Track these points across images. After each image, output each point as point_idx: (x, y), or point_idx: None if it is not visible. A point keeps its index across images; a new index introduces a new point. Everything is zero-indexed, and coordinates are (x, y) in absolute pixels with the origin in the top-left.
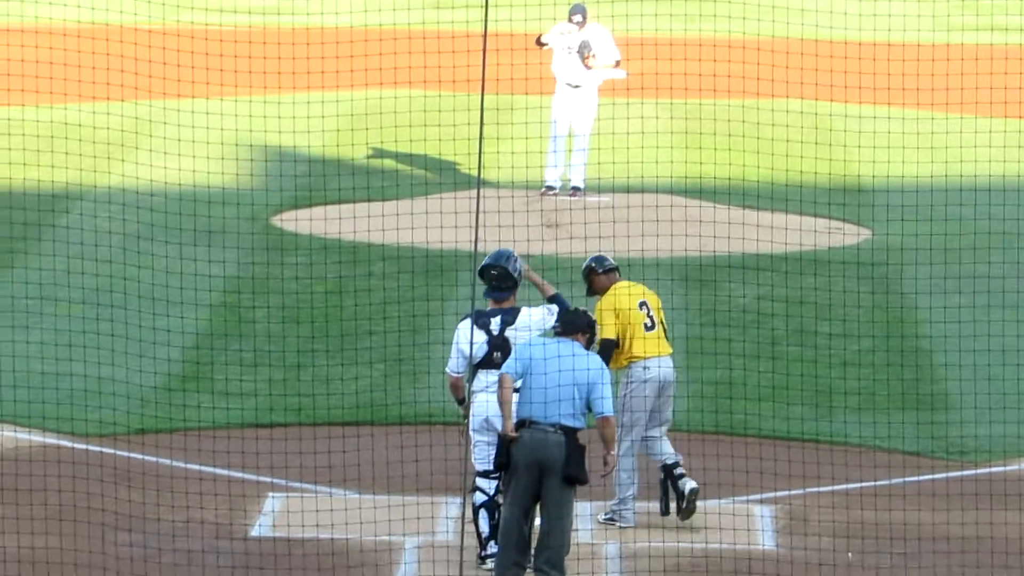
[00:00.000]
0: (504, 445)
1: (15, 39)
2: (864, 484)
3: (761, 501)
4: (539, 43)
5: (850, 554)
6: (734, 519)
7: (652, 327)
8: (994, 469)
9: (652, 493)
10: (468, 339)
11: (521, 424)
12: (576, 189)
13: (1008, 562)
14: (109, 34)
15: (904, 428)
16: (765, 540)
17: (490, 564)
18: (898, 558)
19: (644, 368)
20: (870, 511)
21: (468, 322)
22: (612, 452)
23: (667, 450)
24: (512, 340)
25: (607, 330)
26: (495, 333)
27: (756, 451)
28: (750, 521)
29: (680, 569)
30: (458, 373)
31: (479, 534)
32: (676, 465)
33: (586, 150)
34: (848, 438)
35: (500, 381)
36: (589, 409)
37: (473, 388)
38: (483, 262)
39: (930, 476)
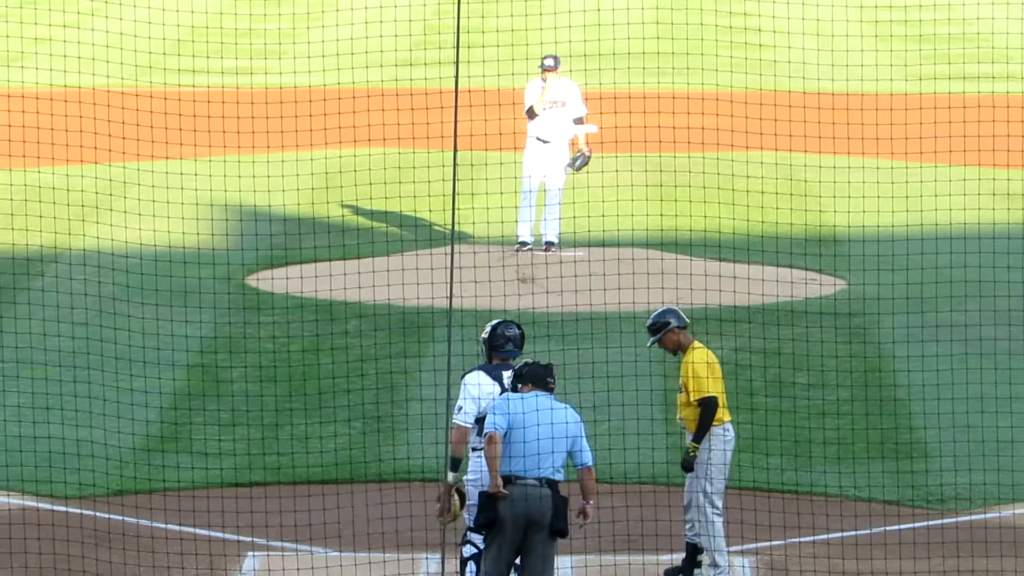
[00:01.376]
0: (490, 502)
1: None
2: (843, 534)
3: (741, 552)
4: (531, 114)
5: None
6: (715, 570)
7: (723, 391)
8: (972, 517)
9: (633, 545)
10: (480, 389)
11: (507, 480)
12: (550, 244)
13: None
14: (81, 97)
15: (881, 477)
16: None
17: None
18: None
19: (725, 430)
20: (850, 561)
21: (477, 373)
22: (592, 502)
23: (704, 535)
24: None
25: (708, 385)
26: (507, 387)
27: (735, 502)
28: (731, 572)
29: None
30: (469, 424)
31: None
32: (701, 551)
33: (559, 204)
34: (826, 488)
35: (489, 439)
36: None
37: (476, 444)
38: (501, 322)
39: (908, 525)
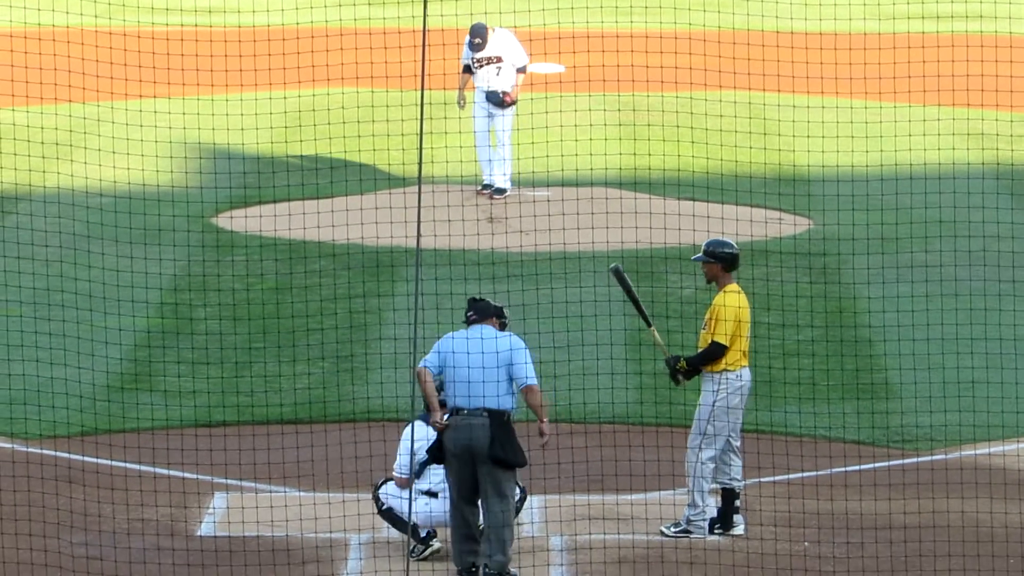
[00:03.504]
0: (438, 436)
1: None
2: (810, 474)
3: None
4: (467, 71)
5: (807, 543)
6: (682, 510)
7: (746, 335)
8: (938, 457)
9: (605, 485)
10: (412, 443)
11: (452, 413)
12: (500, 191)
13: (951, 550)
14: (48, 35)
15: (848, 417)
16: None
17: (435, 545)
18: (845, 547)
19: (738, 376)
20: (820, 500)
21: (414, 425)
22: (545, 420)
23: (736, 475)
24: None
25: (722, 333)
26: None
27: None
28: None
29: (626, 560)
30: (404, 475)
31: (406, 529)
32: (737, 496)
33: (507, 146)
34: (793, 428)
35: (418, 375)
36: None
37: (420, 486)
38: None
39: (875, 465)
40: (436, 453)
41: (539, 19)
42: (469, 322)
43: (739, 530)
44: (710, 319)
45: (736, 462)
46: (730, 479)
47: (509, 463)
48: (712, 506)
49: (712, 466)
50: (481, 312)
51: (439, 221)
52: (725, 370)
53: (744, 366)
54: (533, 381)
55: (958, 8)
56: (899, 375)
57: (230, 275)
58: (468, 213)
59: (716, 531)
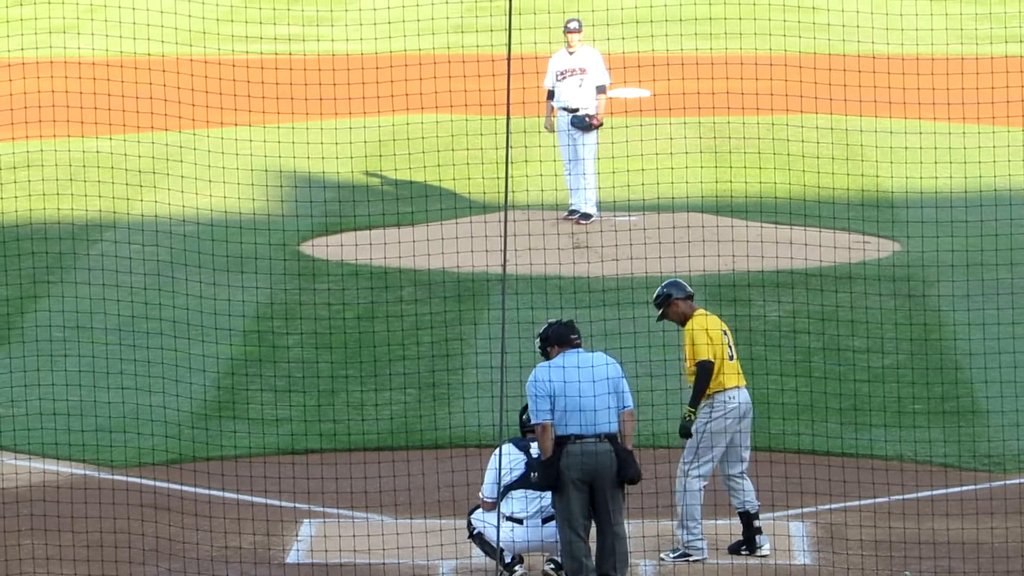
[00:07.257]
0: (551, 465)
1: (44, 71)
2: (899, 498)
3: (798, 517)
4: (550, 95)
5: (907, 573)
6: (772, 537)
7: (732, 357)
8: None
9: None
10: (503, 462)
11: (566, 440)
12: (585, 216)
13: None
14: (138, 64)
15: (939, 443)
16: (802, 557)
17: (519, 571)
18: (939, 572)
19: (728, 398)
20: (914, 527)
21: (506, 446)
22: (628, 447)
23: (749, 498)
24: None
25: (703, 351)
26: (534, 455)
27: (792, 469)
28: (788, 539)
29: None
30: (492, 499)
31: (495, 555)
32: (756, 516)
33: (590, 175)
34: (884, 452)
35: (543, 429)
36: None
37: (504, 511)
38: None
39: (965, 487)
40: (551, 482)
41: (628, 46)
42: (573, 346)
43: (765, 550)
44: (686, 346)
45: (747, 485)
46: (743, 502)
47: (635, 481)
48: (698, 526)
49: (700, 487)
50: (579, 335)
51: (524, 250)
52: (715, 392)
53: (734, 387)
54: (631, 405)
55: None
56: (990, 400)
57: (318, 303)
58: (555, 240)
59: (743, 553)
